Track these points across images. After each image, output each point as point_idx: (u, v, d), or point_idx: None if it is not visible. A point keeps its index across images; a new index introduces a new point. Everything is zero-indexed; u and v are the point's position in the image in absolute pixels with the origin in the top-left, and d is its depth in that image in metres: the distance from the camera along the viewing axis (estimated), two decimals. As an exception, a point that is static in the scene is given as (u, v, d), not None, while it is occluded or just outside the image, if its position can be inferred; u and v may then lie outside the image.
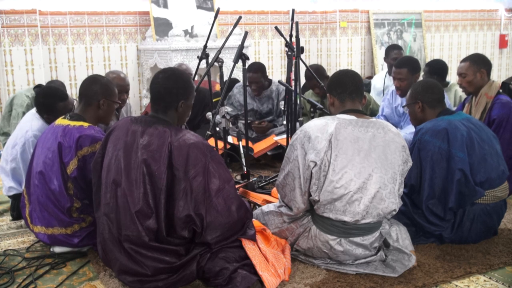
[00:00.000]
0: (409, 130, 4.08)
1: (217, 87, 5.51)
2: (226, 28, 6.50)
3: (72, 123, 2.82)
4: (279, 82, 4.07)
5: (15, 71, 5.41)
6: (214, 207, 2.33)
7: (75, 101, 3.35)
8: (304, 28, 7.19)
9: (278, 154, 4.50)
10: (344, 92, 2.62)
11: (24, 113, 4.56)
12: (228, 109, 4.78)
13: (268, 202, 3.03)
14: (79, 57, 5.89)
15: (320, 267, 2.59)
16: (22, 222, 3.25)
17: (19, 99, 4.65)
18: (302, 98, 3.69)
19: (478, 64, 3.61)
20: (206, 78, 3.74)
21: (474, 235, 2.83)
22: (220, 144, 3.81)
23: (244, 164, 3.74)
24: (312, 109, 3.65)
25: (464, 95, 4.48)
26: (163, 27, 5.95)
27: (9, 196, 3.39)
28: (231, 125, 3.99)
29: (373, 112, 4.87)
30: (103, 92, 2.89)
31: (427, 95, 2.94)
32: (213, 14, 5.27)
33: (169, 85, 2.44)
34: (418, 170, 2.83)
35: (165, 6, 6.01)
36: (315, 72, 4.35)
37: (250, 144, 4.19)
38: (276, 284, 2.35)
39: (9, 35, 5.36)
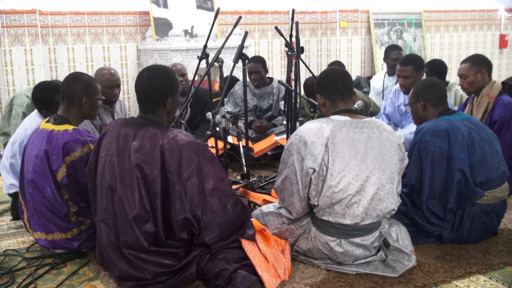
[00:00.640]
0: (410, 129, 4.08)
1: (217, 87, 5.51)
2: (226, 28, 6.50)
3: (56, 127, 2.76)
4: (279, 82, 4.06)
5: (15, 71, 5.41)
6: (210, 207, 2.32)
7: None
8: (304, 28, 7.19)
9: (278, 154, 4.49)
10: (335, 92, 2.58)
11: (24, 113, 4.56)
12: (228, 109, 4.80)
13: (268, 202, 3.03)
14: (79, 57, 5.88)
15: (320, 267, 2.59)
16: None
17: (19, 99, 4.64)
18: (302, 98, 3.68)
19: (478, 65, 3.61)
20: (206, 78, 3.73)
21: (474, 235, 2.83)
22: (220, 144, 3.81)
23: (244, 164, 3.73)
24: (312, 109, 3.65)
25: (464, 94, 4.48)
26: (163, 27, 5.95)
27: (9, 195, 3.38)
28: (231, 125, 3.98)
29: (373, 115, 4.87)
30: (84, 90, 2.84)
31: (429, 93, 2.94)
32: (213, 14, 5.27)
33: (155, 83, 2.40)
34: (419, 170, 2.83)
35: (165, 6, 6.01)
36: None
37: (250, 144, 4.19)
38: (276, 285, 2.35)
39: (9, 35, 5.36)
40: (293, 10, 4.01)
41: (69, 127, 2.77)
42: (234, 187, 3.32)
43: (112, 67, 5.97)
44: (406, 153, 2.66)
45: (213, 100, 4.17)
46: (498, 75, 8.70)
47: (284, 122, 4.08)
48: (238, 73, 5.65)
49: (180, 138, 2.33)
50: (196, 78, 4.33)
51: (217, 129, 3.97)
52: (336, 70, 2.69)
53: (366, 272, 2.51)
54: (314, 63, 7.39)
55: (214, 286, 2.33)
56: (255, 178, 3.68)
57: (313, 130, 2.47)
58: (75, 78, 2.88)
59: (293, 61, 3.69)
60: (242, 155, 3.82)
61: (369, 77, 6.94)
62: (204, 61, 3.83)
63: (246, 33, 3.45)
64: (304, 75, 5.64)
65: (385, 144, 2.50)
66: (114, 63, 6.06)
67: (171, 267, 2.31)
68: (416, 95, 2.99)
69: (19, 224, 3.31)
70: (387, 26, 7.61)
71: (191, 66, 5.51)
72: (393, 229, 2.67)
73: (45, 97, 3.30)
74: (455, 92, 4.56)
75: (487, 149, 2.82)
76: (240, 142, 3.92)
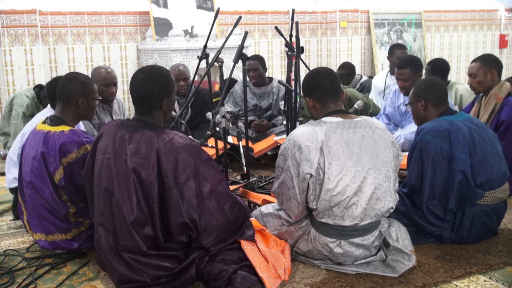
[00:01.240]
0: (410, 130, 4.08)
1: (217, 87, 5.51)
2: (226, 28, 6.50)
3: (53, 129, 2.75)
4: (279, 82, 4.06)
5: (15, 71, 5.41)
6: (208, 210, 2.30)
7: None
8: (304, 28, 7.19)
9: (278, 154, 4.49)
10: (324, 95, 2.56)
11: (24, 113, 4.57)
12: (228, 108, 4.80)
13: (267, 202, 3.03)
14: (79, 57, 5.89)
15: (320, 267, 2.59)
16: (22, 222, 3.25)
17: (19, 99, 4.65)
18: (302, 98, 3.68)
19: (489, 64, 3.60)
20: (206, 78, 3.73)
21: (474, 236, 2.82)
22: (220, 144, 3.80)
23: (244, 164, 3.73)
24: (312, 109, 3.64)
25: (465, 94, 4.49)
26: (163, 27, 5.95)
27: (11, 191, 3.37)
28: (231, 125, 3.98)
29: (373, 116, 4.86)
30: (81, 90, 2.81)
31: (430, 93, 2.93)
32: (213, 14, 5.27)
33: (151, 85, 2.36)
34: (419, 171, 2.82)
35: (165, 6, 6.01)
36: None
37: (250, 144, 4.19)
38: (276, 285, 2.35)
39: (9, 35, 5.36)
40: (293, 10, 4.01)
41: (65, 128, 2.75)
42: (234, 187, 3.32)
43: (112, 67, 5.99)
44: (401, 149, 2.64)
45: (213, 100, 4.17)
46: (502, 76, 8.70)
47: (284, 122, 4.08)
48: (238, 73, 5.65)
49: (176, 141, 2.30)
50: (196, 78, 4.33)
51: (217, 129, 3.97)
52: (323, 72, 2.65)
53: (366, 272, 2.51)
54: (314, 63, 7.40)
55: (214, 287, 2.32)
56: (255, 178, 3.67)
57: (306, 134, 2.45)
58: (72, 78, 2.86)
59: (293, 61, 3.69)
60: (242, 155, 3.82)
61: (370, 77, 6.94)
62: (204, 61, 3.83)
63: (246, 33, 3.44)
64: (304, 75, 5.62)
65: (379, 142, 2.50)
66: (114, 63, 6.06)
67: (170, 270, 2.30)
68: (417, 94, 2.99)
69: (19, 224, 3.30)
70: (387, 26, 7.62)
71: (191, 66, 5.51)
72: (393, 229, 2.67)
73: None
74: (455, 91, 4.56)
75: (488, 149, 2.82)
76: (240, 142, 3.92)
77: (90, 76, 3.59)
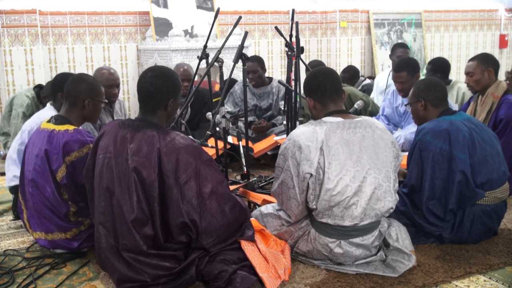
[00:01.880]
0: (409, 130, 4.08)
1: (217, 87, 5.51)
2: (226, 28, 6.50)
3: (57, 127, 2.76)
4: (279, 82, 4.06)
5: (15, 71, 5.41)
6: (208, 211, 2.31)
7: None
8: (304, 28, 7.19)
9: (278, 154, 4.49)
10: (324, 95, 2.56)
11: (24, 113, 4.57)
12: (228, 108, 4.80)
13: (267, 202, 3.03)
14: (79, 57, 5.89)
15: (320, 267, 2.59)
16: (22, 222, 3.25)
17: (19, 99, 4.65)
18: (302, 98, 3.68)
19: (486, 63, 3.62)
20: (206, 78, 3.73)
21: (474, 236, 2.82)
22: (220, 144, 3.80)
23: (244, 164, 3.73)
24: (312, 109, 3.64)
25: (467, 92, 4.48)
26: (163, 27, 5.95)
27: (10, 190, 3.37)
28: (231, 125, 3.98)
29: (372, 115, 4.86)
30: (88, 92, 2.84)
31: (430, 93, 2.93)
32: (213, 14, 5.27)
33: (159, 83, 2.37)
34: (419, 171, 2.82)
35: (165, 6, 6.01)
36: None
37: (250, 144, 4.19)
38: (276, 285, 2.35)
39: (9, 35, 5.36)
40: (293, 10, 4.01)
41: (70, 127, 2.77)
42: (234, 187, 3.32)
43: (112, 67, 5.99)
44: (401, 149, 2.64)
45: (213, 100, 4.17)
46: (498, 75, 8.70)
47: (284, 122, 4.08)
48: (238, 73, 5.66)
49: (178, 141, 2.31)
50: (196, 78, 4.33)
51: (217, 129, 3.97)
52: (323, 71, 2.66)
53: (366, 272, 2.51)
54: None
55: (214, 287, 2.32)
56: (255, 178, 3.67)
57: (306, 134, 2.45)
58: (80, 79, 2.89)
59: (293, 61, 3.69)
60: (242, 155, 3.82)
61: (370, 77, 6.94)
62: (204, 61, 3.83)
63: (246, 33, 3.45)
64: (304, 75, 5.61)
65: (379, 142, 2.50)
66: (114, 63, 6.06)
67: (170, 270, 2.30)
68: (417, 95, 2.99)
69: (19, 224, 3.30)
70: (387, 26, 7.62)
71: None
72: (393, 229, 2.67)
73: (65, 80, 3.25)
74: (457, 90, 4.55)
75: (488, 149, 2.82)
76: (240, 142, 3.92)
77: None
